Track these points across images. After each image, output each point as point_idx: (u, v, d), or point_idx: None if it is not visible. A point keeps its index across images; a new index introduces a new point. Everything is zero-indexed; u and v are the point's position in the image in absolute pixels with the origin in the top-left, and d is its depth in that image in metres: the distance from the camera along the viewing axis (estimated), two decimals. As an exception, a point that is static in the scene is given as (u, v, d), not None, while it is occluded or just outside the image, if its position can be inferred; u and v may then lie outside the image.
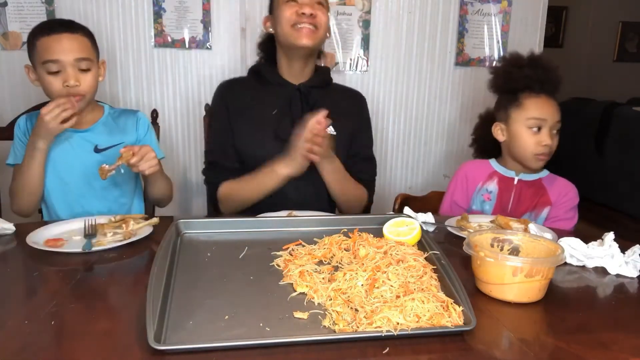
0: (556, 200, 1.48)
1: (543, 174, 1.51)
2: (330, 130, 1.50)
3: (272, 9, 1.50)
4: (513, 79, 1.46)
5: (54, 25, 1.35)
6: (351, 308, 0.80)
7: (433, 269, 0.91)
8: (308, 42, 1.43)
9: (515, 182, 1.50)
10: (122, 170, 1.27)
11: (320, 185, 1.51)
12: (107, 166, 1.25)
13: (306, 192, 1.50)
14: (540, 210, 1.47)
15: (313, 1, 1.44)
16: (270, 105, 1.51)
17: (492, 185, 1.52)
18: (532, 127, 1.43)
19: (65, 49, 1.31)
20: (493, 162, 1.56)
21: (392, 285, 0.83)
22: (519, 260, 0.87)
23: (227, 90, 1.56)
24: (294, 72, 1.53)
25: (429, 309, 0.77)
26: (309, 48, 1.45)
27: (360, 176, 1.55)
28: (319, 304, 0.83)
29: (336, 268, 0.94)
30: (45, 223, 1.21)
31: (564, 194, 1.48)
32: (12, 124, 1.54)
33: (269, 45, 1.57)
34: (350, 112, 1.58)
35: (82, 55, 1.33)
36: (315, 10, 1.43)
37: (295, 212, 1.31)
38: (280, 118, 1.49)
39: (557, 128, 1.45)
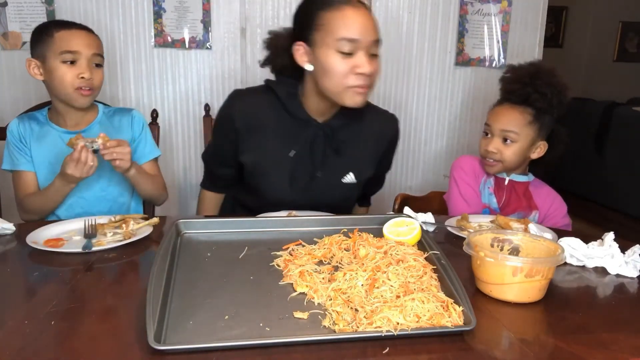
0: (546, 210, 1.50)
1: (530, 179, 1.54)
2: (351, 178, 1.39)
3: (310, 42, 1.23)
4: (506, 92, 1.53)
5: (70, 23, 1.40)
6: (351, 308, 0.80)
7: (433, 269, 0.91)
8: (362, 103, 1.26)
9: (506, 182, 1.52)
10: (92, 149, 1.25)
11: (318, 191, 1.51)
12: (75, 139, 1.24)
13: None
14: (529, 213, 1.48)
15: (369, 53, 1.20)
16: (288, 144, 1.33)
17: (491, 181, 1.53)
18: (485, 132, 1.52)
19: (84, 43, 1.38)
20: None
21: (392, 285, 0.83)
22: (519, 260, 0.87)
23: (239, 112, 1.35)
24: (321, 109, 1.33)
25: (429, 309, 0.77)
26: (359, 107, 1.27)
27: (369, 192, 1.62)
28: (319, 304, 0.83)
29: (336, 268, 0.94)
30: (45, 223, 1.21)
31: (550, 203, 1.51)
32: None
33: (289, 62, 1.31)
34: (381, 141, 1.44)
35: (97, 51, 1.40)
36: (373, 66, 1.21)
37: (295, 212, 1.30)
38: (298, 162, 1.34)
39: (511, 138, 1.45)
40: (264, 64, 1.42)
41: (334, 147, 1.35)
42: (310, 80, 1.30)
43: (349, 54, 1.19)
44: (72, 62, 1.35)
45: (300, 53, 1.26)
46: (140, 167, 1.43)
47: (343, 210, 1.46)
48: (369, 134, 1.41)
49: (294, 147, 1.33)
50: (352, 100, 1.24)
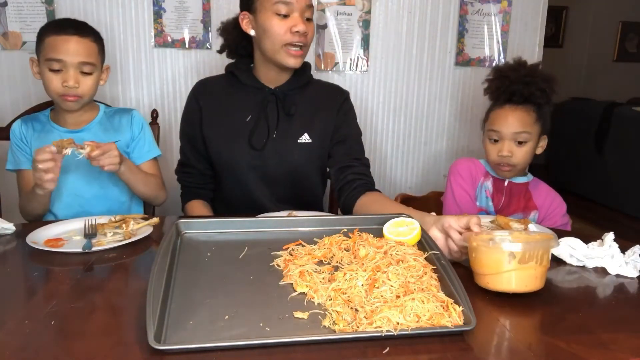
0: (545, 210, 1.49)
1: (529, 178, 1.54)
2: (306, 138, 1.46)
3: (253, 9, 1.38)
4: (492, 92, 1.50)
5: (66, 26, 1.36)
6: (351, 308, 0.80)
7: (433, 269, 0.91)
8: (296, 63, 1.39)
9: (506, 183, 1.52)
10: (79, 157, 1.22)
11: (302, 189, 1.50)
12: (66, 143, 1.19)
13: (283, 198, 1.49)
14: (528, 214, 1.48)
15: (304, 16, 1.35)
16: (244, 110, 1.45)
17: (489, 184, 1.53)
18: (492, 139, 1.49)
19: (70, 51, 1.33)
20: (484, 162, 1.58)
21: (392, 285, 0.83)
22: (511, 242, 0.88)
23: (201, 92, 1.50)
24: (271, 76, 1.46)
25: (429, 309, 0.77)
26: (295, 67, 1.41)
27: (357, 158, 1.47)
28: (319, 304, 0.83)
29: (336, 268, 0.94)
30: (45, 223, 1.21)
31: (549, 202, 1.50)
32: (12, 123, 1.54)
33: (239, 39, 1.48)
34: (330, 107, 1.50)
35: (86, 59, 1.36)
36: (307, 27, 1.36)
37: (295, 212, 1.31)
38: (254, 125, 1.44)
39: (523, 139, 1.44)
40: (221, 50, 1.56)
41: (286, 111, 1.45)
42: (257, 49, 1.44)
43: (285, 16, 1.34)
44: (58, 70, 1.33)
45: (245, 22, 1.41)
46: (133, 165, 1.41)
47: (313, 182, 1.52)
48: (320, 101, 1.50)
49: (250, 113, 1.45)
50: (288, 60, 1.38)
